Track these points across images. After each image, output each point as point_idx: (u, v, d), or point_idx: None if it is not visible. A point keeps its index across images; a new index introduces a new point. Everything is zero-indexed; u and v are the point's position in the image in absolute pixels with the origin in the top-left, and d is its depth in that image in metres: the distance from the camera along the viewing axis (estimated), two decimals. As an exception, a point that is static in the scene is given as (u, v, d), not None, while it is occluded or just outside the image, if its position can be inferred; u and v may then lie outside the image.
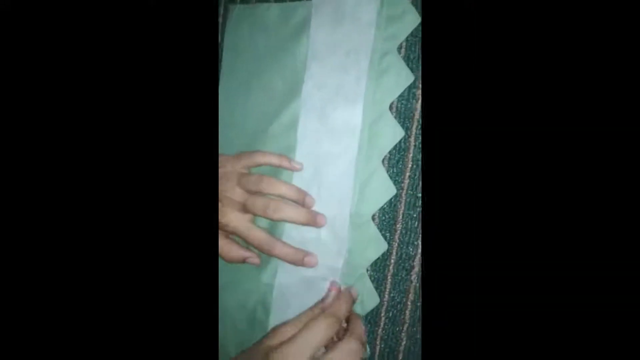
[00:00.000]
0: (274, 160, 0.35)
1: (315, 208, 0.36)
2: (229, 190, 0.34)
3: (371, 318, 0.34)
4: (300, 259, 0.33)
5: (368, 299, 0.34)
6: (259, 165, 0.36)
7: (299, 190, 0.34)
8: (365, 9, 0.33)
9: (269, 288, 0.36)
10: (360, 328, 0.31)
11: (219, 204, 0.34)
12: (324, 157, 0.35)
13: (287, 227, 0.36)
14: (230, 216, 0.33)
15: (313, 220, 0.33)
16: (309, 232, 0.36)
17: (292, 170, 0.35)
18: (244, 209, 0.34)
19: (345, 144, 0.34)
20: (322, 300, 0.32)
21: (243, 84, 0.42)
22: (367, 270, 0.34)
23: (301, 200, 0.34)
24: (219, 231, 0.34)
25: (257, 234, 0.34)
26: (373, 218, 0.34)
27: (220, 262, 0.35)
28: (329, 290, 0.33)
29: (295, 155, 0.36)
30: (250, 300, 0.37)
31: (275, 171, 0.36)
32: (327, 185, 0.35)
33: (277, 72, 0.39)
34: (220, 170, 0.35)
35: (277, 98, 0.38)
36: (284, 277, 0.36)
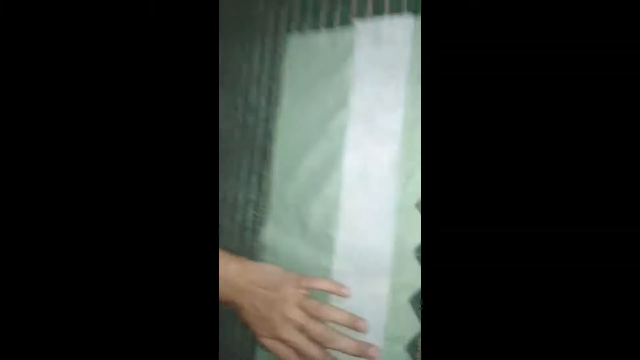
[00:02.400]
0: (330, 287, 0.39)
1: (362, 204, 0.41)
2: (290, 311, 0.38)
3: (418, 294, 0.37)
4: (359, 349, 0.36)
5: (416, 279, 0.38)
6: (316, 289, 0.40)
7: (353, 317, 0.38)
8: (400, 32, 0.39)
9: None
10: None
11: (280, 322, 0.37)
12: (370, 158, 0.41)
13: (341, 218, 0.42)
14: (291, 333, 0.37)
15: (364, 352, 0.36)
16: (361, 222, 0.41)
17: (341, 296, 0.39)
18: (303, 329, 0.37)
19: (388, 145, 0.40)
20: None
21: (300, 102, 0.50)
22: (413, 251, 0.38)
23: (354, 326, 0.37)
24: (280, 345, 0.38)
25: (314, 352, 0.37)
26: (416, 205, 0.38)
27: None
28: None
29: (344, 156, 0.42)
30: None
31: (329, 161, 0.42)
32: (374, 183, 0.41)
33: (328, 89, 0.46)
34: (281, 291, 0.39)
35: (328, 110, 0.45)
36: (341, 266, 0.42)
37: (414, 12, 0.39)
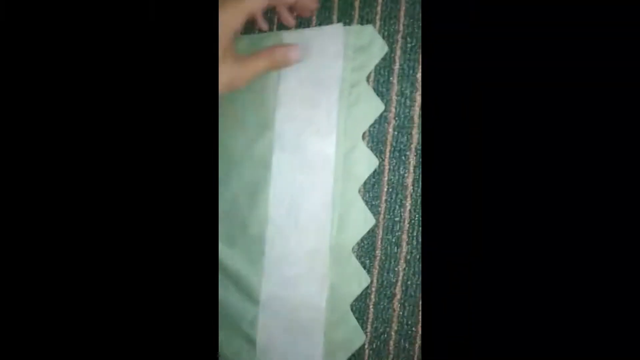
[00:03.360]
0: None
1: (294, 241, 0.35)
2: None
3: (357, 353, 0.32)
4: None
5: (354, 337, 0.32)
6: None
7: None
8: (331, 41, 0.33)
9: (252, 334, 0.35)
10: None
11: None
12: (300, 190, 0.35)
13: (267, 264, 0.35)
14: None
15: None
16: (289, 269, 0.34)
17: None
18: None
19: (320, 176, 0.34)
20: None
21: (227, 122, 0.42)
22: (351, 307, 0.32)
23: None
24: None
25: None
26: (352, 249, 0.33)
27: None
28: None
29: (270, 187, 0.35)
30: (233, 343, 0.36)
31: (253, 193, 0.36)
32: (305, 218, 0.34)
33: (250, 107, 0.38)
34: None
35: (249, 133, 0.38)
36: (268, 320, 0.35)
37: (345, 22, 0.34)
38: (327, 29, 0.33)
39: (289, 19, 0.32)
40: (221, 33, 0.28)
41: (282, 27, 0.34)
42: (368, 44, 0.32)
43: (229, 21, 0.28)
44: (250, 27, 0.35)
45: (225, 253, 0.39)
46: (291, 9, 0.32)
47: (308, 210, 0.34)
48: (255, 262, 0.37)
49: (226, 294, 0.39)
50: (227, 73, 0.29)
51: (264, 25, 0.32)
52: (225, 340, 0.38)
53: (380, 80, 0.32)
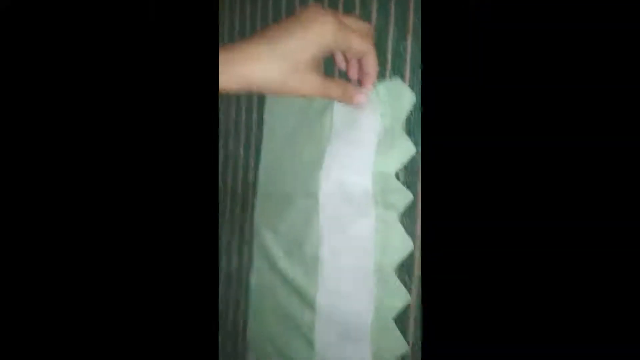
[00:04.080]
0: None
1: (344, 261, 0.41)
2: None
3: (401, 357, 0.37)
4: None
5: (398, 345, 0.37)
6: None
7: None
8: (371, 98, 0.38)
9: (310, 337, 0.42)
10: None
11: None
12: (345, 218, 0.40)
13: (320, 279, 0.42)
14: None
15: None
16: (340, 284, 0.40)
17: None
18: None
19: (362, 206, 0.39)
20: None
21: (278, 155, 0.49)
22: (395, 319, 0.38)
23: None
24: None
25: None
26: (394, 269, 0.38)
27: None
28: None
29: (319, 217, 0.42)
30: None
31: (307, 221, 0.42)
32: (353, 242, 0.40)
33: (305, 144, 0.45)
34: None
35: (304, 166, 0.44)
36: (324, 326, 0.41)
37: (381, 77, 0.38)
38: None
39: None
40: (318, 45, 0.32)
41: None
42: (399, 94, 0.37)
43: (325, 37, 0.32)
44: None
45: (287, 265, 0.47)
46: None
47: (355, 235, 0.40)
48: (310, 275, 0.43)
49: (289, 299, 0.46)
50: (310, 83, 0.33)
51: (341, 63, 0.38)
52: (287, 342, 0.46)
53: (411, 123, 0.37)
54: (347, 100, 0.36)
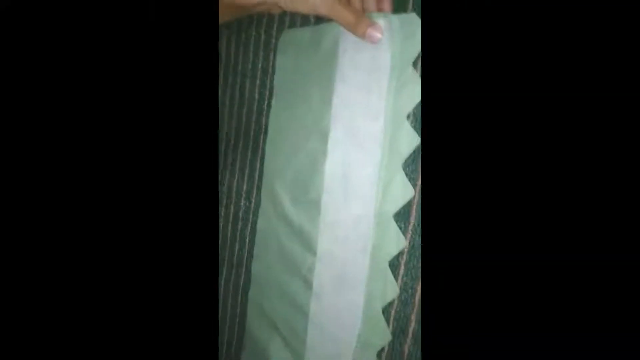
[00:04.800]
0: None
1: (344, 207, 0.41)
2: None
3: (389, 304, 0.38)
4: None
5: (389, 289, 0.38)
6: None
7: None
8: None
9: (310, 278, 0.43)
10: None
11: None
12: (351, 164, 0.40)
13: (322, 224, 0.42)
14: None
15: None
16: (340, 230, 0.41)
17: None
18: None
19: (369, 152, 0.39)
20: None
21: (289, 100, 0.49)
22: (388, 263, 0.38)
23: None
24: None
25: None
26: (394, 216, 0.38)
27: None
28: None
29: (326, 160, 0.41)
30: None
31: (314, 163, 0.43)
32: (354, 189, 0.40)
33: (313, 89, 0.44)
34: None
35: (313, 111, 0.44)
36: (323, 269, 0.42)
37: (396, 11, 0.37)
38: (377, 16, 0.37)
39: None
40: None
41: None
42: (413, 31, 0.35)
43: None
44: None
45: (291, 210, 0.47)
46: None
47: (357, 182, 0.40)
48: (313, 221, 0.44)
49: (291, 244, 0.47)
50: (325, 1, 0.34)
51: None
52: (287, 281, 0.47)
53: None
54: (360, 32, 0.35)
